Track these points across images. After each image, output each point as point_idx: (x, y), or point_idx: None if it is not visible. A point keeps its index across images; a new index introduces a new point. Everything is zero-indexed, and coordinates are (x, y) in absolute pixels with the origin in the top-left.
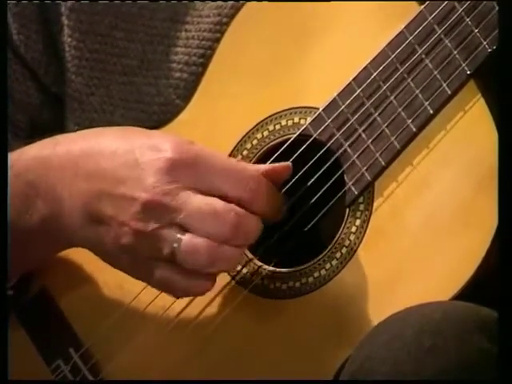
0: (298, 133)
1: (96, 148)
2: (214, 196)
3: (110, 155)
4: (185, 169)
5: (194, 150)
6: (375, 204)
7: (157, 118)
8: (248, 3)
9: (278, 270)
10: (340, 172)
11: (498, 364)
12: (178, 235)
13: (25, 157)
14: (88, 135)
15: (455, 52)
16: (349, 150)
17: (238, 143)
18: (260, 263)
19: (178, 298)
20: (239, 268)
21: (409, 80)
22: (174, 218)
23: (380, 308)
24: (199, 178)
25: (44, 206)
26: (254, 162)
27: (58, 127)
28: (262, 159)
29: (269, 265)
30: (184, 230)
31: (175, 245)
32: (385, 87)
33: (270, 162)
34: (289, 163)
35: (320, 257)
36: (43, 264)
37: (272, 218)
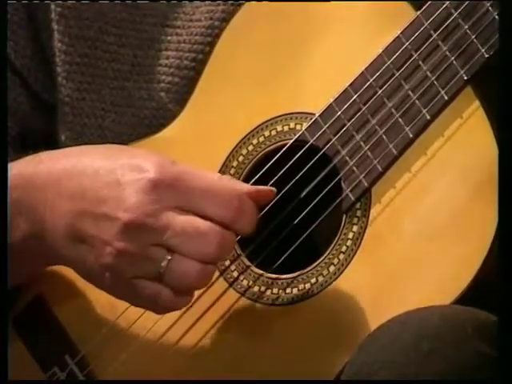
0: (294, 138)
1: (79, 167)
2: (196, 215)
3: (92, 175)
4: (167, 189)
5: (175, 170)
6: (372, 210)
7: (148, 122)
8: (243, 7)
9: (275, 276)
10: (337, 178)
11: (496, 368)
12: (165, 256)
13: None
14: (71, 154)
15: (452, 58)
16: (346, 155)
17: (233, 149)
18: (260, 271)
19: (159, 314)
20: (236, 275)
21: (405, 86)
22: (158, 239)
23: (377, 314)
24: (181, 198)
25: (26, 224)
26: (250, 168)
27: (48, 136)
28: (257, 165)
29: (266, 272)
30: (170, 250)
31: (163, 264)
32: (381, 93)
33: (265, 170)
34: (273, 188)
35: (317, 263)
36: (28, 280)
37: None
